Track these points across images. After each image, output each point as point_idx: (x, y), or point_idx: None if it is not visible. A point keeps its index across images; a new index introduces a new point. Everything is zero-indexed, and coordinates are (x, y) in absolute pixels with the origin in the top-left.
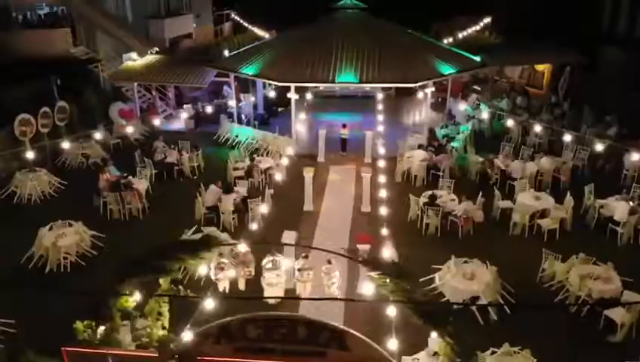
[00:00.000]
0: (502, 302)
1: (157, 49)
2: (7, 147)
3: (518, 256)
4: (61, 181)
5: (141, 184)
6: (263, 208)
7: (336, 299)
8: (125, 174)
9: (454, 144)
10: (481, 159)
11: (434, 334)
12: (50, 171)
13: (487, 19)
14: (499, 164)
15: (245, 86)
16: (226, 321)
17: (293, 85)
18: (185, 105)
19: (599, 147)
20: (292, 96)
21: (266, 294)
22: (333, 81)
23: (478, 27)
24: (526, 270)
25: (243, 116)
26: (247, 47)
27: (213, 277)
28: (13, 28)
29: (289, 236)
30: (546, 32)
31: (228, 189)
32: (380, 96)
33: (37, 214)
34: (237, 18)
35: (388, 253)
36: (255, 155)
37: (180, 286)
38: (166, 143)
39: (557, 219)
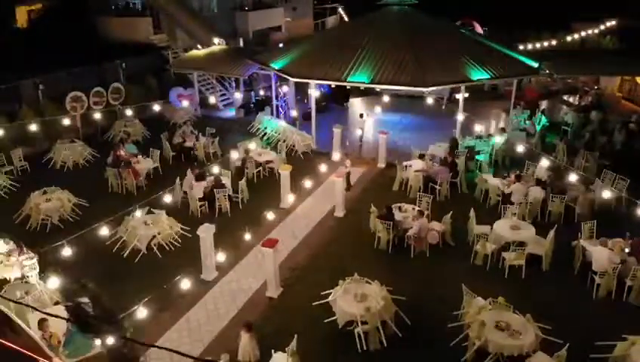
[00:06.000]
0: (381, 332)
1: (222, 40)
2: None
3: (457, 288)
4: (94, 153)
5: (145, 164)
6: (166, 198)
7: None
8: (140, 153)
9: (479, 157)
10: (486, 177)
11: None
12: (95, 144)
13: (611, 22)
14: (498, 184)
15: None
16: None
17: (313, 82)
18: (236, 95)
19: None
20: (312, 92)
21: None
22: (344, 80)
23: (597, 30)
24: (451, 305)
25: (280, 108)
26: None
27: None
28: (109, 15)
29: (204, 229)
30: None
31: (199, 177)
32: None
33: (60, 179)
34: (342, 12)
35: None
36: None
37: None
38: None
39: (521, 255)
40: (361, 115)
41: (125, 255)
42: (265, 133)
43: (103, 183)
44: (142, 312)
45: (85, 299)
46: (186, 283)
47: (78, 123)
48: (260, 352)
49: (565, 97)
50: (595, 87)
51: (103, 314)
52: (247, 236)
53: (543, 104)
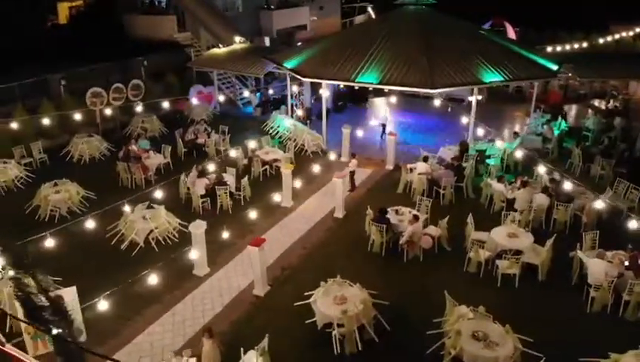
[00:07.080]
0: (358, 336)
1: (243, 39)
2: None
3: (442, 294)
4: (111, 148)
5: (155, 159)
6: (159, 193)
7: None
8: (152, 149)
9: (490, 162)
10: (490, 182)
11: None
12: (114, 139)
13: None
14: (502, 190)
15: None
16: None
17: (324, 82)
18: (245, 94)
19: None
20: (323, 92)
21: None
22: (353, 81)
23: (631, 33)
24: (436, 312)
25: (295, 107)
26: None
27: None
28: (135, 12)
29: (196, 225)
30: None
31: (202, 173)
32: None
33: (76, 172)
34: (371, 12)
35: None
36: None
37: None
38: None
39: (515, 264)
40: (384, 111)
41: (124, 247)
42: (277, 132)
43: (114, 177)
44: (103, 305)
45: (34, 290)
46: (153, 279)
47: (97, 118)
48: (222, 358)
49: (597, 102)
50: (624, 92)
51: (49, 305)
52: (226, 235)
53: (567, 108)
